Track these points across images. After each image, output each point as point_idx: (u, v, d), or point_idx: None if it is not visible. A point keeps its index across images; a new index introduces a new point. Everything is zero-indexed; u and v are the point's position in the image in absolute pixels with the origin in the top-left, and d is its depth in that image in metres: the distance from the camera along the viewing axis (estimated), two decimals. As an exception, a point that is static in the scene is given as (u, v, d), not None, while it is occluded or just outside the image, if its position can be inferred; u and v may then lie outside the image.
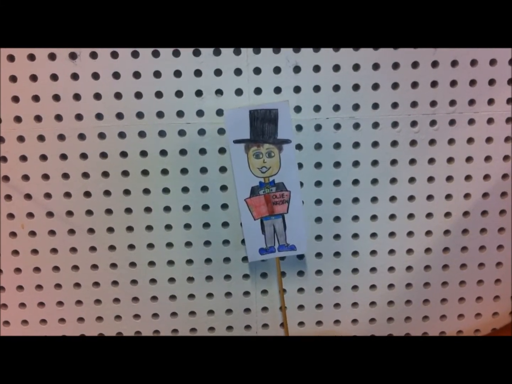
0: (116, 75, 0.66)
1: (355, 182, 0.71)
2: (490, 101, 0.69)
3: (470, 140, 0.70)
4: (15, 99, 0.66)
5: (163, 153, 0.69)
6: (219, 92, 0.67)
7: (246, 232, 0.66)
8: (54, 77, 0.66)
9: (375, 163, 0.71)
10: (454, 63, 0.67)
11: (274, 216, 0.66)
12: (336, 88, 0.68)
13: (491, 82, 0.68)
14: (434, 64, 0.67)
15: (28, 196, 0.70)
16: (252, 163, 0.63)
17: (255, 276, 0.75)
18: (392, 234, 0.74)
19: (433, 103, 0.69)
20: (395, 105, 0.68)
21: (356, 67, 0.67)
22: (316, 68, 0.67)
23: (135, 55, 0.65)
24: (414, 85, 0.68)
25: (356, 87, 0.68)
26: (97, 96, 0.67)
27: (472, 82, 0.68)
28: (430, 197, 0.72)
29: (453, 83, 0.68)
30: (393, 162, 0.71)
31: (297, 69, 0.67)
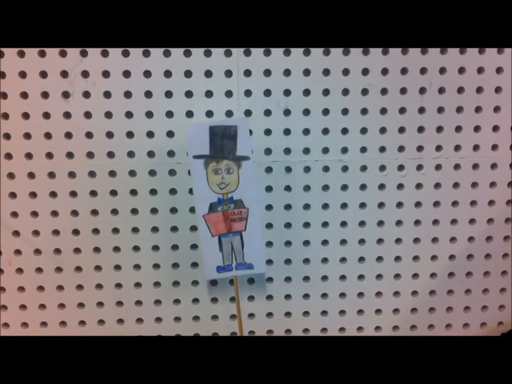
0: (108, 115, 0.67)
1: (343, 224, 0.72)
2: (476, 147, 0.70)
3: (456, 185, 0.71)
4: (7, 136, 0.67)
5: (153, 192, 0.69)
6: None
7: (204, 249, 0.64)
8: (47, 115, 0.66)
9: (362, 205, 0.71)
10: (440, 110, 0.69)
11: (232, 233, 0.64)
12: (325, 131, 0.69)
13: (477, 128, 0.70)
14: (421, 110, 0.69)
15: (16, 233, 0.70)
16: (211, 179, 0.62)
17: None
18: (379, 276, 0.75)
19: (420, 148, 0.70)
20: (382, 149, 0.70)
21: (345, 111, 0.68)
22: (306, 112, 0.68)
23: (127, 95, 0.66)
24: (401, 130, 0.69)
25: (344, 130, 0.69)
26: (89, 135, 0.67)
27: (458, 128, 0.69)
28: (416, 240, 0.73)
29: (439, 129, 0.69)
30: (381, 205, 0.72)
31: (287, 112, 0.68)
